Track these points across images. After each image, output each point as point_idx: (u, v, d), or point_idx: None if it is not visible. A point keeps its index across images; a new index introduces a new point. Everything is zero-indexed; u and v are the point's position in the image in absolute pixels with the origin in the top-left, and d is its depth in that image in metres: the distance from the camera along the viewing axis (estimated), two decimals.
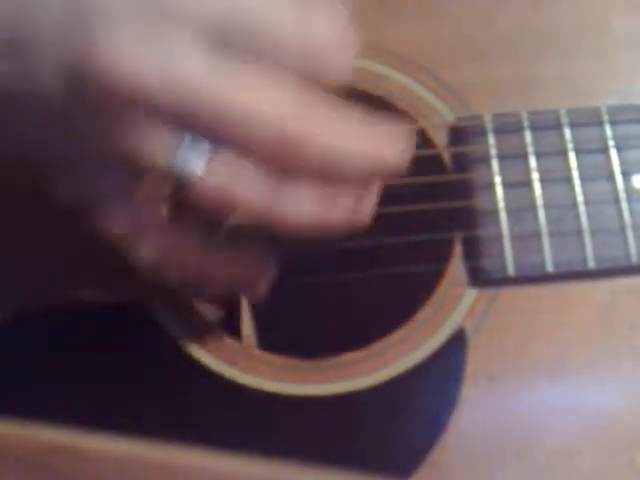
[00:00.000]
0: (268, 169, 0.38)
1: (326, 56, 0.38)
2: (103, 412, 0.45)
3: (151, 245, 0.41)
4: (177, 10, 0.36)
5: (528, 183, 0.49)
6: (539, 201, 0.48)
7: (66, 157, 0.39)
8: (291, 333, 0.47)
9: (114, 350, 0.47)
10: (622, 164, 0.49)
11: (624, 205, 0.48)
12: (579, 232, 0.48)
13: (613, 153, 0.49)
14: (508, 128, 0.50)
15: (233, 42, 0.37)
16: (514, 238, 0.47)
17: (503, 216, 0.48)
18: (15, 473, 0.28)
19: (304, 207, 0.39)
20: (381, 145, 0.39)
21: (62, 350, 0.46)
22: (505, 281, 0.47)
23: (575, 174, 0.49)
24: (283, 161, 0.38)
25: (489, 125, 0.50)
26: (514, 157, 0.49)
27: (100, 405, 0.45)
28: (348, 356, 0.46)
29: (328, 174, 0.38)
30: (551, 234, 0.48)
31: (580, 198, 0.48)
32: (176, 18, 0.36)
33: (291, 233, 0.39)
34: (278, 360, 0.46)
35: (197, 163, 0.37)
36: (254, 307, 0.52)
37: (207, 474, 0.29)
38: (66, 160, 0.39)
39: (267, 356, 0.46)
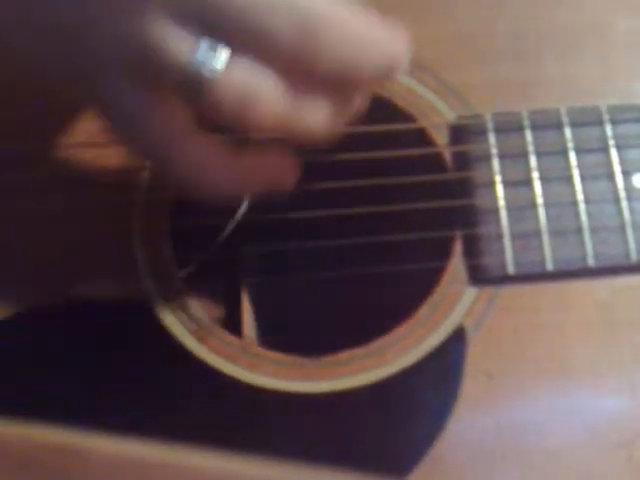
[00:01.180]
0: (287, 77, 0.38)
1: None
2: (103, 411, 0.45)
3: (184, 158, 0.40)
4: None
5: (528, 182, 0.49)
6: (539, 200, 0.48)
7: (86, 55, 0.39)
8: (291, 331, 0.47)
9: (113, 348, 0.47)
10: (622, 163, 0.49)
11: (624, 204, 0.48)
12: (579, 230, 0.48)
13: (613, 152, 0.49)
14: (509, 127, 0.50)
15: None
16: (514, 236, 0.48)
17: (503, 214, 0.48)
18: (14, 473, 0.28)
19: (321, 115, 0.40)
20: (394, 40, 0.41)
21: (62, 349, 0.46)
22: (505, 279, 0.47)
23: (575, 173, 0.49)
24: (302, 63, 0.38)
25: (490, 124, 0.50)
26: (514, 156, 0.49)
27: (100, 404, 0.45)
28: (348, 353, 0.46)
29: (345, 75, 0.39)
30: (551, 232, 0.48)
31: (580, 197, 0.48)
32: None
33: (308, 139, 0.40)
34: (278, 357, 0.46)
35: (217, 64, 0.37)
36: (255, 306, 0.52)
37: (207, 474, 0.29)
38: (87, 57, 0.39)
39: (267, 353, 0.46)
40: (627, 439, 0.44)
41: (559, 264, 0.47)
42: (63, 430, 0.29)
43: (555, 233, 0.48)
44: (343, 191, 0.49)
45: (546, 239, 0.47)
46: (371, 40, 0.40)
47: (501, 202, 0.48)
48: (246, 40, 0.37)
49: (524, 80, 0.52)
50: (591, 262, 0.47)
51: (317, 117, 0.40)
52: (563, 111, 0.50)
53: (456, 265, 0.48)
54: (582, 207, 0.48)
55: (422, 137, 0.51)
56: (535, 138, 0.50)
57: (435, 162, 0.51)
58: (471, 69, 0.52)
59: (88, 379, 0.46)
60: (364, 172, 0.49)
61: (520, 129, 0.50)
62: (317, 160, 0.48)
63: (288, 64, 0.38)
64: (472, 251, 0.48)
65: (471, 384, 0.45)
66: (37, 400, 0.45)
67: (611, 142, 0.49)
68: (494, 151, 0.49)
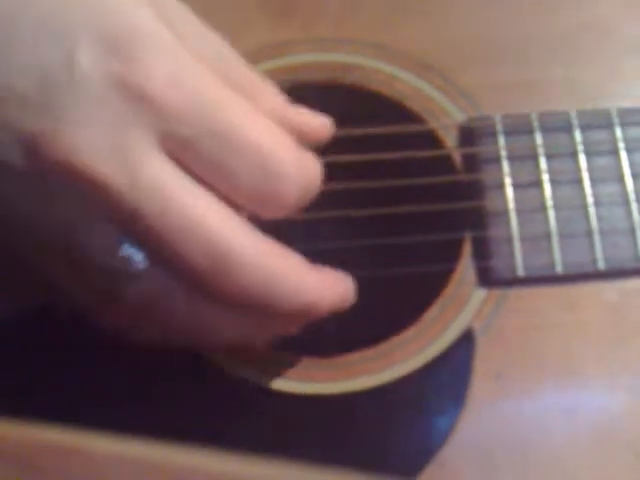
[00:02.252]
0: (195, 290, 0.38)
1: (282, 180, 0.38)
2: (109, 410, 0.45)
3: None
4: (144, 116, 0.36)
5: (538, 184, 0.49)
6: (549, 202, 0.48)
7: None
8: (300, 332, 0.47)
9: (122, 348, 0.47)
10: (632, 166, 0.49)
11: (634, 206, 0.48)
12: (589, 233, 0.48)
13: (623, 155, 0.49)
14: (518, 129, 0.50)
15: (194, 147, 0.37)
16: (524, 239, 0.48)
17: (513, 217, 0.48)
18: (14, 473, 0.28)
19: (236, 331, 0.40)
20: (319, 287, 0.40)
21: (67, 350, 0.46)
22: (514, 281, 0.47)
23: (585, 175, 0.49)
24: (212, 287, 0.38)
25: (499, 126, 0.50)
26: (524, 158, 0.49)
27: (106, 404, 0.45)
28: (356, 355, 0.46)
29: (255, 304, 0.39)
30: (561, 235, 0.48)
31: (590, 199, 0.48)
32: (142, 124, 0.36)
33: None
34: (286, 358, 0.46)
35: (131, 270, 0.38)
36: None
37: (207, 474, 0.29)
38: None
39: (275, 354, 0.46)
40: (634, 440, 0.44)
41: (569, 267, 0.47)
42: (63, 430, 0.29)
43: (565, 236, 0.48)
44: (351, 192, 0.49)
45: (556, 242, 0.47)
46: (291, 284, 0.39)
47: (511, 204, 0.48)
48: (162, 260, 0.37)
49: (534, 83, 0.52)
50: (601, 265, 0.47)
51: (232, 333, 0.40)
52: (573, 114, 0.50)
53: (465, 267, 0.48)
54: (592, 210, 0.48)
55: (431, 139, 0.51)
56: (545, 140, 0.50)
57: (444, 164, 0.51)
58: (481, 71, 0.53)
59: (86, 378, 0.46)
60: (372, 173, 0.50)
61: (530, 131, 0.50)
62: (324, 161, 0.48)
63: (197, 284, 0.38)
64: (481, 253, 0.48)
65: (479, 386, 0.45)
66: (39, 400, 0.45)
67: (621, 145, 0.49)
68: (504, 153, 0.49)
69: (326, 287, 0.41)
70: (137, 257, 0.37)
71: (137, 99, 0.36)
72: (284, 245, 0.40)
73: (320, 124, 0.43)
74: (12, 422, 0.29)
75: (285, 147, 0.38)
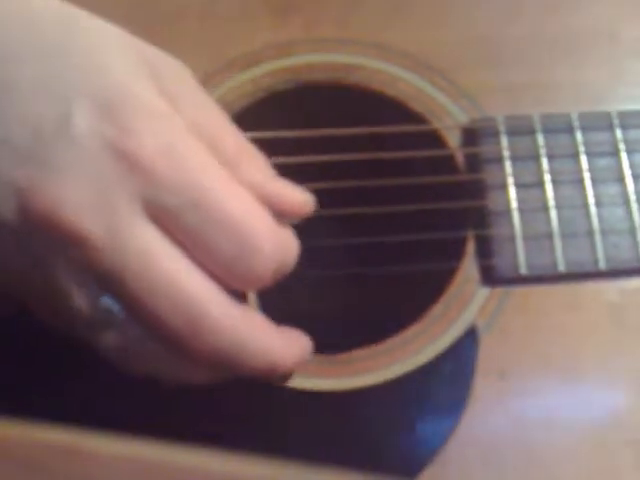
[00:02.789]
0: (167, 346, 0.39)
1: (257, 256, 0.39)
2: (109, 410, 0.45)
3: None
4: (132, 181, 0.37)
5: (540, 184, 0.49)
6: (551, 202, 0.49)
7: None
8: (305, 329, 0.47)
9: None
10: (632, 167, 0.50)
11: (634, 207, 0.49)
12: (590, 233, 0.48)
13: (624, 156, 0.50)
14: (520, 130, 0.51)
15: (176, 216, 0.38)
16: (526, 238, 0.48)
17: (515, 216, 0.48)
18: (15, 473, 0.28)
19: (196, 379, 0.42)
20: (284, 348, 0.41)
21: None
22: (517, 280, 0.48)
23: (586, 176, 0.49)
24: (183, 347, 0.39)
25: (502, 127, 0.51)
26: (526, 159, 0.50)
27: (107, 404, 0.45)
28: (360, 352, 0.47)
29: (223, 364, 0.40)
30: (563, 235, 0.48)
31: (591, 200, 0.49)
32: (129, 188, 0.37)
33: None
34: None
35: (109, 322, 0.39)
36: (264, 303, 0.52)
37: (207, 474, 0.29)
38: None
39: None
40: (636, 438, 0.45)
41: (571, 266, 0.48)
42: (64, 430, 0.29)
43: (566, 235, 0.48)
44: (354, 190, 0.49)
45: (558, 241, 0.48)
46: (258, 347, 0.40)
47: (513, 204, 0.49)
48: (137, 316, 0.38)
49: (536, 85, 0.53)
50: (602, 265, 0.48)
51: (199, 381, 0.42)
52: (574, 115, 0.51)
53: (469, 266, 0.48)
54: (593, 210, 0.49)
55: (434, 139, 0.52)
56: (547, 141, 0.50)
57: (447, 164, 0.51)
58: (483, 72, 0.53)
59: (84, 379, 0.46)
60: (376, 173, 0.50)
61: (532, 132, 0.50)
62: (329, 160, 0.49)
63: (170, 342, 0.39)
64: (485, 252, 0.48)
65: (482, 383, 0.46)
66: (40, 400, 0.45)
67: (621, 146, 0.50)
68: (506, 153, 0.50)
69: (289, 347, 0.42)
70: (115, 308, 0.39)
71: (127, 165, 0.37)
72: (252, 309, 0.42)
73: (301, 201, 0.43)
74: (13, 422, 0.29)
75: (264, 224, 0.40)
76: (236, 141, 0.42)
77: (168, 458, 0.29)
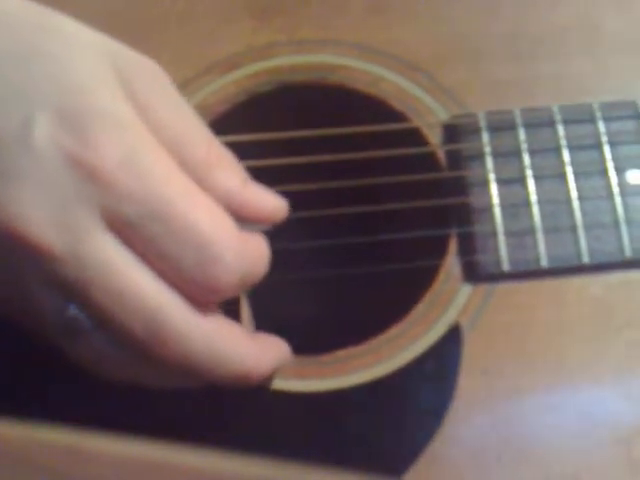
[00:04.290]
0: (138, 355, 0.39)
1: (219, 266, 0.39)
2: (109, 410, 0.45)
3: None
4: (91, 193, 0.37)
5: (522, 180, 0.49)
6: (533, 197, 0.48)
7: None
8: (288, 330, 0.47)
9: None
10: (615, 160, 0.49)
11: (618, 200, 0.48)
12: (573, 227, 0.48)
13: (606, 149, 0.49)
14: (502, 125, 0.50)
15: (136, 227, 0.38)
16: (509, 234, 0.48)
17: (497, 212, 0.48)
18: (14, 473, 0.28)
19: (169, 384, 0.42)
20: (258, 355, 0.41)
21: None
22: (500, 277, 0.47)
23: (569, 170, 0.49)
24: (150, 352, 0.39)
25: (483, 123, 0.50)
26: (508, 154, 0.50)
27: (106, 404, 0.45)
28: (344, 352, 0.47)
29: (195, 372, 0.40)
30: (545, 230, 0.48)
31: (574, 194, 0.48)
32: (89, 199, 0.37)
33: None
34: None
35: (77, 330, 0.39)
36: (253, 304, 0.52)
37: (207, 474, 0.29)
38: None
39: None
40: (625, 436, 0.44)
41: (554, 261, 0.47)
42: (64, 430, 0.29)
43: (549, 230, 0.48)
44: (337, 190, 0.49)
45: (540, 236, 0.48)
46: (230, 355, 0.40)
47: (495, 200, 0.48)
48: (107, 322, 0.38)
49: (518, 80, 0.52)
50: (585, 259, 0.47)
51: (173, 386, 0.42)
52: (555, 109, 0.50)
53: (451, 263, 0.48)
54: (576, 204, 0.48)
55: (416, 136, 0.51)
56: (528, 136, 0.50)
57: (429, 161, 0.51)
58: (465, 69, 0.53)
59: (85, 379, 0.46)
60: (358, 172, 0.50)
61: (513, 127, 0.50)
62: (310, 161, 0.48)
63: (137, 350, 0.39)
64: (467, 249, 0.48)
65: (467, 382, 0.45)
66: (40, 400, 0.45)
67: (604, 139, 0.50)
68: (487, 149, 0.50)
69: (264, 354, 0.42)
70: (81, 317, 0.39)
71: (86, 176, 0.37)
72: (223, 317, 0.41)
73: (274, 206, 0.43)
74: (12, 422, 0.29)
75: (226, 233, 0.39)
76: (208, 146, 0.42)
77: (168, 458, 0.29)
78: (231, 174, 0.42)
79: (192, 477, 0.29)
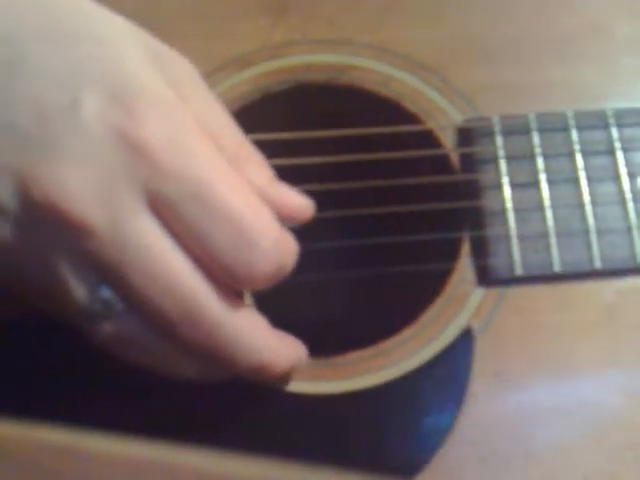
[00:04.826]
0: (169, 335, 0.39)
1: (256, 253, 0.39)
2: (109, 409, 0.45)
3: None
4: (137, 170, 0.37)
5: (535, 184, 0.49)
6: (546, 202, 0.49)
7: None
8: (296, 332, 0.47)
9: None
10: (628, 165, 0.49)
11: (630, 206, 0.48)
12: (586, 233, 0.48)
13: (619, 155, 0.50)
14: (516, 130, 0.50)
15: (177, 209, 0.38)
16: (522, 238, 0.48)
17: (511, 216, 0.48)
18: (12, 473, 0.28)
19: (189, 372, 0.42)
20: (277, 350, 0.41)
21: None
22: (513, 280, 0.48)
23: (582, 175, 0.49)
24: (180, 334, 0.39)
25: (497, 126, 0.50)
26: (521, 158, 0.50)
27: (106, 404, 0.45)
28: (357, 354, 0.47)
29: (215, 357, 0.40)
30: (558, 234, 0.48)
31: (587, 199, 0.49)
32: (134, 177, 0.37)
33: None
34: None
35: (108, 312, 0.39)
36: (260, 308, 0.52)
37: (207, 474, 0.29)
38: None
39: None
40: (633, 440, 0.45)
41: (566, 266, 0.47)
42: (62, 430, 0.29)
43: (562, 235, 0.48)
44: (348, 192, 0.49)
45: (553, 241, 0.48)
46: (251, 344, 0.40)
47: (508, 204, 0.49)
48: (141, 305, 0.38)
49: (530, 83, 0.52)
50: (597, 264, 0.48)
51: (193, 375, 0.42)
52: (569, 114, 0.51)
53: (464, 266, 0.48)
54: (589, 209, 0.48)
55: (429, 139, 0.51)
56: (542, 140, 0.50)
57: (442, 164, 0.51)
58: (478, 72, 0.53)
59: (84, 379, 0.46)
60: (370, 173, 0.50)
61: (527, 131, 0.50)
62: (323, 162, 0.48)
63: (167, 332, 0.39)
64: (480, 252, 0.48)
65: (479, 384, 0.46)
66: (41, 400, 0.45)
67: (617, 145, 0.50)
68: (501, 153, 0.50)
69: (282, 350, 0.42)
70: (113, 299, 0.39)
71: (134, 151, 0.37)
72: (251, 308, 0.42)
73: (300, 205, 0.43)
74: (13, 422, 0.29)
75: (265, 222, 0.39)
76: (238, 141, 0.42)
77: (167, 458, 0.29)
78: (260, 170, 0.42)
79: (191, 477, 0.29)
